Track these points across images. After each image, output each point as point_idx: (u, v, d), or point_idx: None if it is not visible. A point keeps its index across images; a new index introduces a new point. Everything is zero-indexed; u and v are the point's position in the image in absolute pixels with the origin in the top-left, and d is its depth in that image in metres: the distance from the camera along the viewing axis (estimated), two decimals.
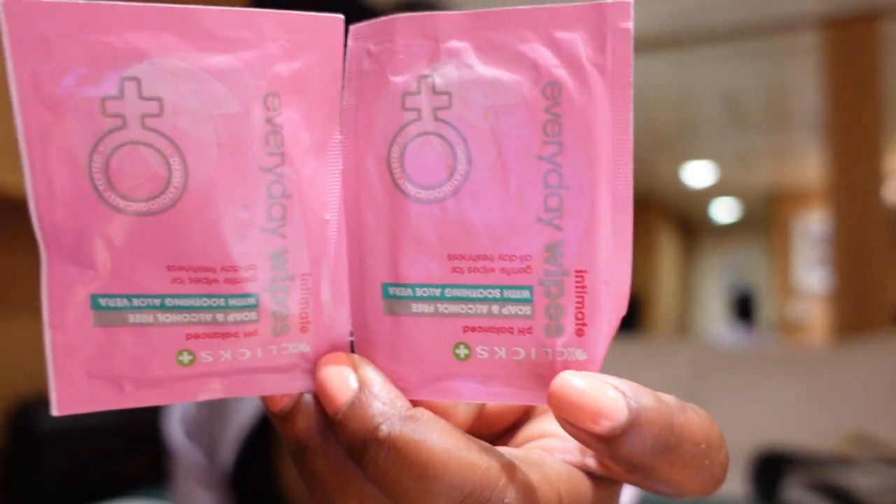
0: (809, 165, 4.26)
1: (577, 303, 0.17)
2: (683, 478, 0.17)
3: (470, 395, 0.18)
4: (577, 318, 0.17)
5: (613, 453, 0.16)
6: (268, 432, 0.63)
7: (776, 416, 1.82)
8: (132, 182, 0.16)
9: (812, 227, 4.98)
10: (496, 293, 0.17)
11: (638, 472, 0.16)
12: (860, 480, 1.11)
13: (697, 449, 0.16)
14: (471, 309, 0.18)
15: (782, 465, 1.26)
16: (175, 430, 0.71)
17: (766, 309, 6.11)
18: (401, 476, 0.16)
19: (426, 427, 0.16)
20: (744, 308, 4.08)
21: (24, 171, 0.16)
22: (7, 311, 1.51)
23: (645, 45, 2.61)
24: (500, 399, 0.18)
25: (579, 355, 0.17)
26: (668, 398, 0.17)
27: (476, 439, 0.17)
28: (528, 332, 0.17)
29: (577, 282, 0.17)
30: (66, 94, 0.16)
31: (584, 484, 0.18)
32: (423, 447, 0.16)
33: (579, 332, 0.17)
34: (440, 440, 0.16)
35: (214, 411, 0.66)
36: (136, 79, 0.16)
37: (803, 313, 4.97)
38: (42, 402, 1.45)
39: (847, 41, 2.24)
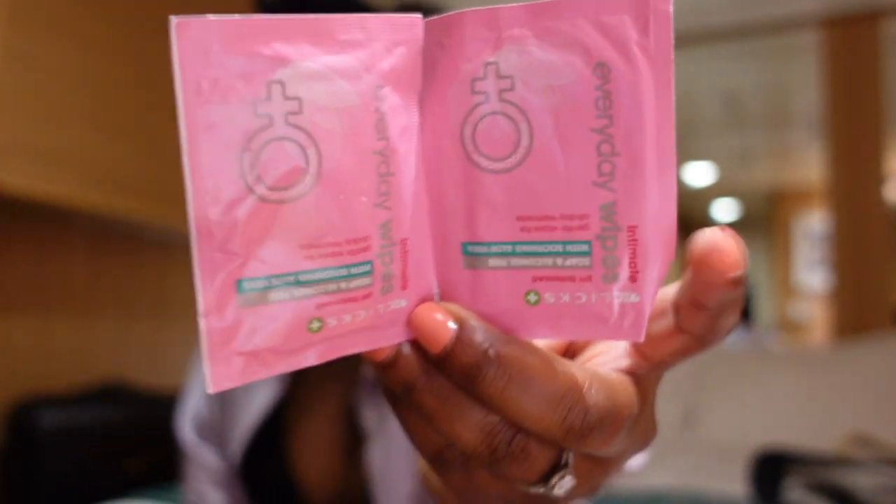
0: (810, 165, 4.25)
1: (630, 254, 0.19)
2: (735, 318, 0.21)
3: (541, 334, 0.21)
4: (630, 267, 0.19)
5: (733, 295, 0.19)
6: (279, 425, 0.64)
7: (776, 416, 1.82)
8: (277, 173, 0.18)
9: (813, 226, 4.98)
10: (559, 248, 0.20)
11: (728, 314, 0.20)
12: (861, 481, 1.11)
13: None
14: (538, 262, 0.20)
15: (782, 465, 1.26)
16: (187, 431, 0.72)
17: (766, 309, 6.10)
18: (510, 387, 0.19)
19: (522, 345, 0.20)
20: (741, 307, 4.03)
21: (185, 171, 0.18)
22: (7, 311, 1.51)
23: None
24: (567, 336, 0.21)
25: (633, 298, 0.20)
26: None
27: (556, 354, 0.21)
28: (588, 280, 0.20)
29: (630, 235, 0.19)
30: (224, 99, 0.18)
31: (631, 384, 0.21)
32: (526, 361, 0.19)
33: (633, 279, 0.19)
34: (535, 354, 0.20)
35: (225, 405, 0.68)
36: (281, 82, 0.18)
37: (804, 313, 4.97)
38: (42, 401, 1.45)
39: (847, 40, 2.24)
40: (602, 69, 0.19)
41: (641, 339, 0.20)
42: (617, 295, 0.20)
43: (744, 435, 1.79)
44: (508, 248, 0.20)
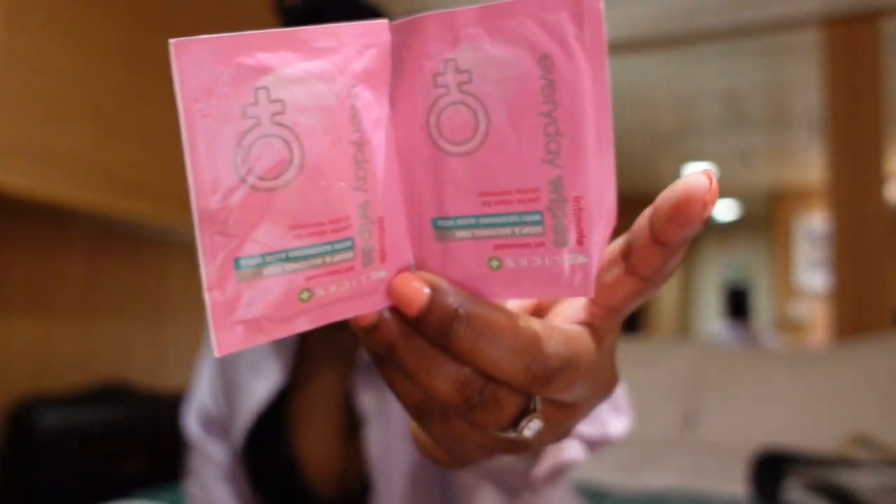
0: (810, 165, 4.25)
1: (577, 221, 0.22)
2: (681, 259, 0.23)
3: (505, 295, 0.23)
4: (577, 232, 0.22)
5: (694, 233, 0.22)
6: (280, 411, 0.66)
7: (776, 417, 1.82)
8: (266, 165, 0.21)
9: (813, 226, 4.98)
10: (516, 219, 0.22)
11: (678, 254, 0.22)
12: (861, 481, 1.11)
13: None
14: (499, 232, 0.23)
15: (783, 465, 1.26)
16: (193, 425, 0.74)
17: (767, 309, 6.10)
18: (479, 342, 0.22)
19: (488, 305, 0.22)
20: (737, 304, 3.92)
21: (187, 166, 0.20)
22: (6, 311, 1.51)
23: (646, 44, 2.61)
24: (526, 295, 0.23)
25: (581, 259, 0.22)
26: None
27: (520, 311, 0.23)
28: (542, 246, 0.22)
29: (575, 205, 0.22)
30: (217, 105, 0.20)
31: (588, 333, 0.24)
32: (492, 318, 0.22)
33: (580, 242, 0.22)
34: (500, 312, 0.22)
35: (229, 395, 0.69)
36: (265, 87, 0.21)
37: (804, 313, 4.97)
38: (41, 401, 1.45)
39: (848, 39, 2.24)
40: (545, 61, 0.21)
41: (591, 294, 0.22)
42: (567, 257, 0.22)
43: (744, 435, 1.79)
44: (472, 221, 0.23)
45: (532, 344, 0.22)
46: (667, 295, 5.76)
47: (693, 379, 2.02)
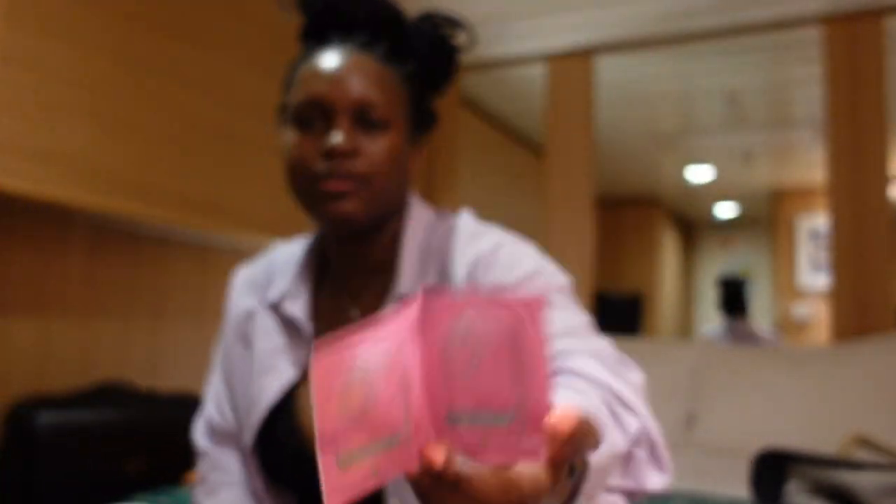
0: (812, 164, 4.25)
1: (532, 417, 0.36)
2: (587, 447, 0.40)
3: (490, 462, 0.37)
4: (532, 424, 0.36)
5: (575, 442, 0.36)
6: (289, 405, 0.74)
7: (777, 417, 1.81)
8: (357, 405, 0.36)
9: (815, 226, 4.98)
10: (494, 416, 0.37)
11: (581, 447, 0.38)
12: (862, 482, 1.11)
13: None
14: (485, 423, 0.37)
15: (784, 466, 1.25)
16: (201, 438, 0.83)
17: (768, 308, 6.10)
18: (478, 486, 0.35)
19: (482, 470, 0.36)
20: (733, 298, 3.68)
21: (315, 416, 0.34)
22: (6, 311, 1.51)
23: (646, 44, 2.61)
24: (504, 463, 0.37)
25: (534, 440, 0.37)
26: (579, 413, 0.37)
27: (501, 470, 0.37)
28: (511, 433, 0.37)
29: (531, 408, 0.36)
30: (335, 378, 0.35)
31: (547, 469, 0.37)
32: (484, 477, 0.36)
33: (534, 430, 0.36)
34: (490, 470, 0.36)
35: (239, 399, 0.78)
36: (360, 364, 0.36)
37: (806, 313, 4.96)
38: (40, 401, 1.44)
39: (849, 38, 2.24)
40: (514, 331, 0.37)
41: (540, 459, 0.36)
42: (525, 441, 0.37)
43: (744, 436, 1.79)
44: (470, 415, 0.38)
45: (511, 486, 0.36)
46: (667, 295, 5.76)
47: (693, 379, 2.01)
